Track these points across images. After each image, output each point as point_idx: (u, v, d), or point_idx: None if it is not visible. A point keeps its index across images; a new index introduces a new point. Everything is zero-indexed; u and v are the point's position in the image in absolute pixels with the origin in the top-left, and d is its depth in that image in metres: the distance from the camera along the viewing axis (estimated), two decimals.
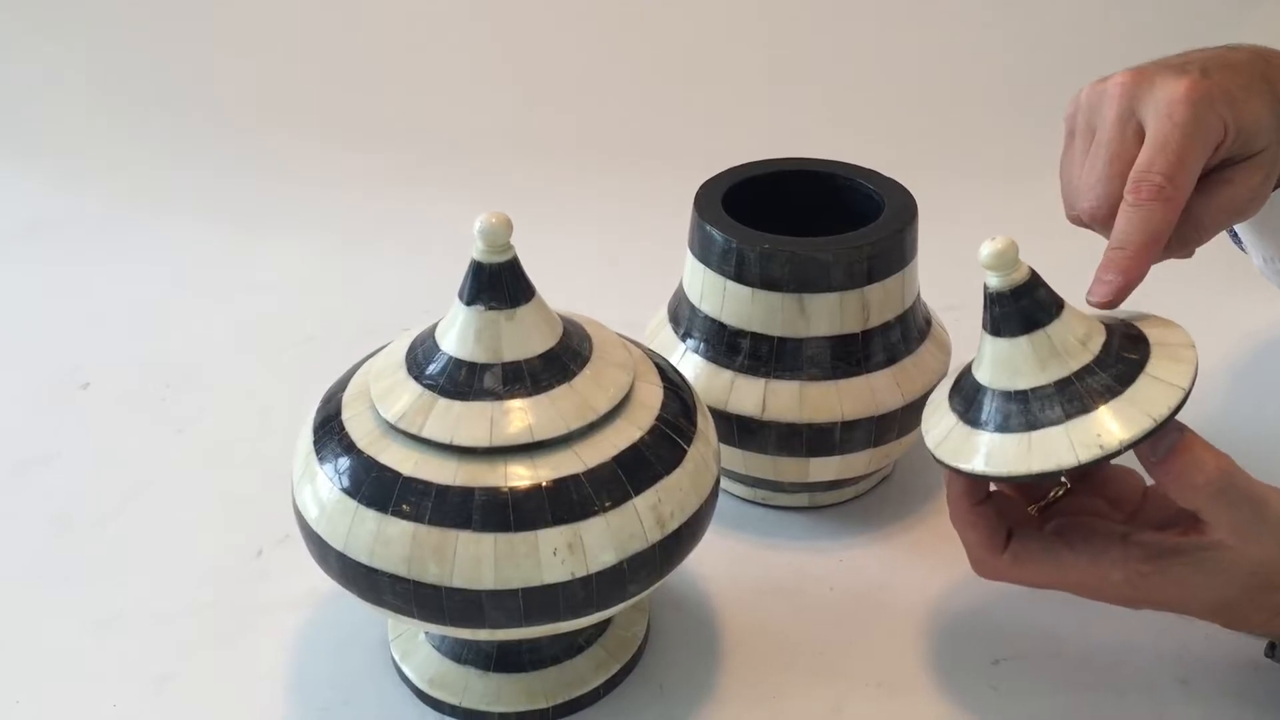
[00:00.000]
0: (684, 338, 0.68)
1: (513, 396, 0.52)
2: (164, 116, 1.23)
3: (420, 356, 0.54)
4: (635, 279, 0.82)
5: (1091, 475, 0.58)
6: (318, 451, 0.54)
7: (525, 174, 1.13)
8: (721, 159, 0.72)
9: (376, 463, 0.52)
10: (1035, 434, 0.50)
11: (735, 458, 0.67)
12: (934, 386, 0.59)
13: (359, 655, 0.62)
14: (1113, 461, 0.58)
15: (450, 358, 0.53)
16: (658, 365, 0.58)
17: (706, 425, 0.57)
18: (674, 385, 0.57)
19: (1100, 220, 0.55)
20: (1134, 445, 0.49)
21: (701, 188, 0.69)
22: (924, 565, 0.68)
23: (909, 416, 0.66)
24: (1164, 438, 0.50)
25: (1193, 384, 0.49)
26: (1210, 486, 0.50)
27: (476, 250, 0.52)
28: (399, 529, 0.50)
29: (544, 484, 0.50)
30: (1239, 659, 0.60)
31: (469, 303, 0.52)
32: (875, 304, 0.65)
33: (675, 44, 1.22)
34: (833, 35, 1.21)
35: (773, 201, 0.70)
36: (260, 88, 1.24)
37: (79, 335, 0.92)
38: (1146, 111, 0.54)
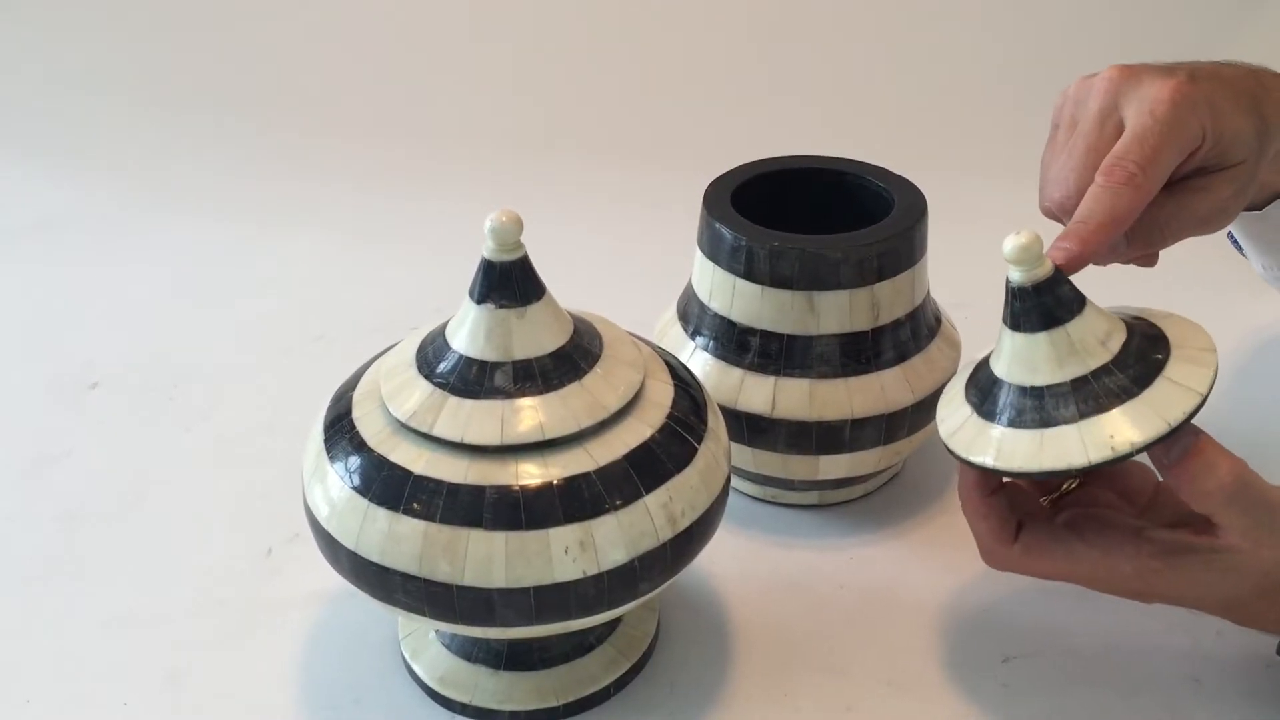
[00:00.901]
0: (693, 335, 0.68)
1: (523, 395, 0.52)
2: (173, 115, 1.23)
3: (431, 355, 0.54)
4: (643, 276, 0.82)
5: (1104, 470, 0.58)
6: (328, 450, 0.54)
7: (533, 171, 1.13)
8: (730, 156, 0.72)
9: (387, 461, 0.52)
10: (1048, 431, 0.50)
11: (745, 456, 0.67)
12: (944, 384, 0.59)
13: (369, 654, 0.62)
14: None
15: (461, 356, 0.53)
16: (668, 363, 0.58)
17: (717, 423, 0.57)
18: (684, 383, 0.57)
19: (1068, 211, 0.55)
20: (1146, 449, 0.48)
21: (710, 185, 0.69)
22: (934, 563, 0.67)
23: (919, 414, 0.66)
24: (1178, 441, 0.49)
25: (1210, 389, 0.49)
26: (1223, 493, 0.49)
27: (487, 249, 0.52)
28: (410, 527, 0.50)
29: (555, 482, 0.50)
30: (1251, 656, 0.60)
31: (479, 301, 0.52)
32: (885, 302, 0.64)
33: (685, 41, 1.22)
34: (843, 33, 1.21)
35: (782, 199, 0.70)
36: (270, 86, 1.24)
37: (88, 334, 0.92)
38: (1129, 107, 0.55)
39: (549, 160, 1.15)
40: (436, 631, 0.61)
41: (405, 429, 0.52)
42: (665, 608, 0.65)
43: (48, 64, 1.27)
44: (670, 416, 0.54)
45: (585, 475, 0.51)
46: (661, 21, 1.22)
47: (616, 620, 0.61)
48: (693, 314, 0.69)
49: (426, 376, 0.53)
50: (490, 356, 0.52)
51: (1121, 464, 0.57)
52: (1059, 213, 0.57)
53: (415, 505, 0.50)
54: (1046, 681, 0.60)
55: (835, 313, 0.64)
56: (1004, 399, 0.52)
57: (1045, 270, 0.51)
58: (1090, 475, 0.58)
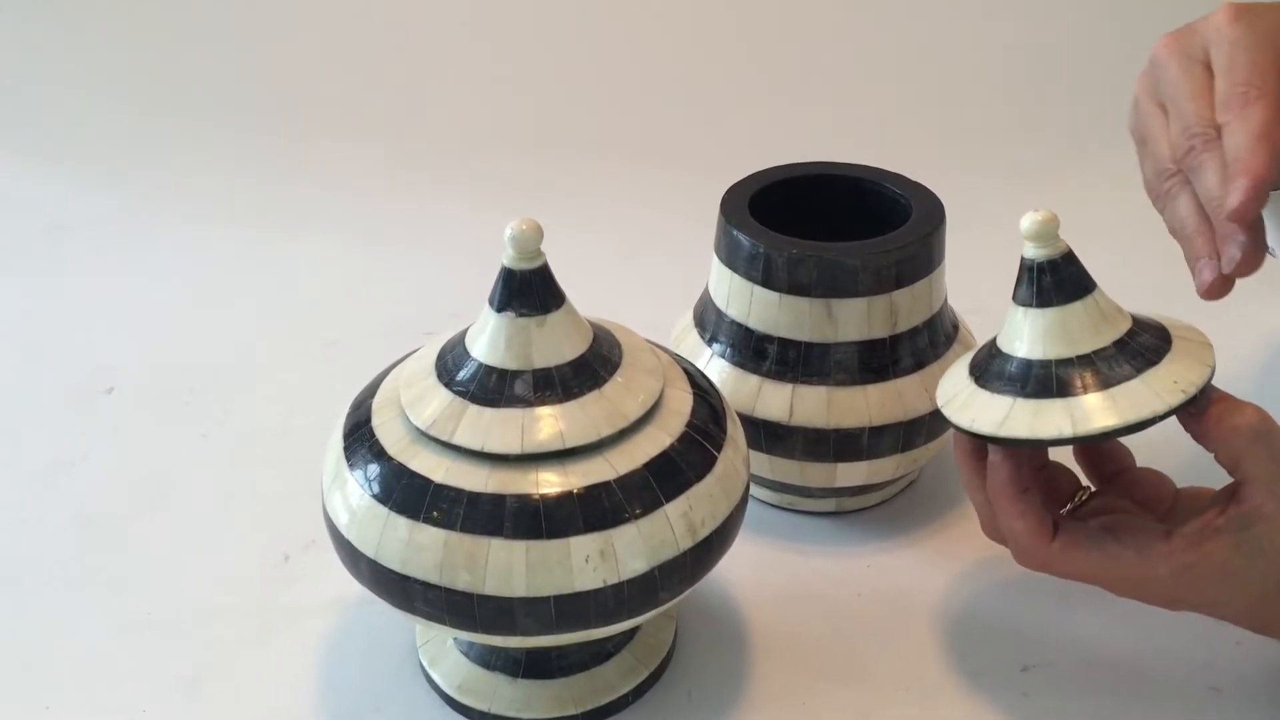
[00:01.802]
0: (710, 343, 0.68)
1: (543, 403, 0.52)
2: (186, 120, 1.24)
3: (450, 363, 0.54)
4: (659, 283, 0.82)
5: (1120, 477, 0.58)
6: (348, 458, 0.54)
7: (548, 176, 1.13)
8: (747, 163, 0.72)
9: (407, 469, 0.52)
10: (1116, 389, 0.51)
11: (762, 463, 0.67)
12: None
13: (387, 661, 0.62)
14: (1140, 465, 0.58)
15: (481, 364, 0.53)
16: (686, 371, 0.58)
17: (736, 431, 0.57)
18: (703, 391, 0.57)
19: (1202, 163, 0.53)
20: (1202, 391, 0.51)
21: (728, 192, 0.69)
22: (952, 570, 0.67)
23: (937, 421, 0.66)
24: (1204, 394, 0.51)
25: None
26: (1251, 430, 0.51)
27: (507, 257, 0.52)
28: (430, 536, 0.50)
29: (575, 491, 0.50)
30: (1270, 666, 0.60)
31: (499, 309, 0.52)
32: (903, 309, 0.64)
33: (702, 46, 1.22)
34: (860, 39, 1.21)
35: (799, 206, 0.70)
36: (284, 91, 1.24)
37: (103, 339, 0.92)
38: (1198, 51, 0.54)
39: (563, 165, 1.15)
40: (454, 639, 0.61)
41: (425, 437, 0.52)
42: (683, 615, 0.65)
43: (65, 72, 1.27)
44: (690, 425, 0.54)
45: (605, 484, 0.51)
46: (678, 26, 1.22)
47: (635, 628, 0.61)
48: (710, 321, 0.69)
49: (446, 385, 0.53)
50: (510, 365, 0.52)
51: (1138, 473, 0.58)
52: (1195, 166, 0.54)
53: (435, 514, 0.50)
54: (1066, 690, 0.60)
55: (853, 320, 0.64)
56: (1043, 376, 0.52)
57: (1062, 246, 0.53)
58: (1107, 483, 0.58)
